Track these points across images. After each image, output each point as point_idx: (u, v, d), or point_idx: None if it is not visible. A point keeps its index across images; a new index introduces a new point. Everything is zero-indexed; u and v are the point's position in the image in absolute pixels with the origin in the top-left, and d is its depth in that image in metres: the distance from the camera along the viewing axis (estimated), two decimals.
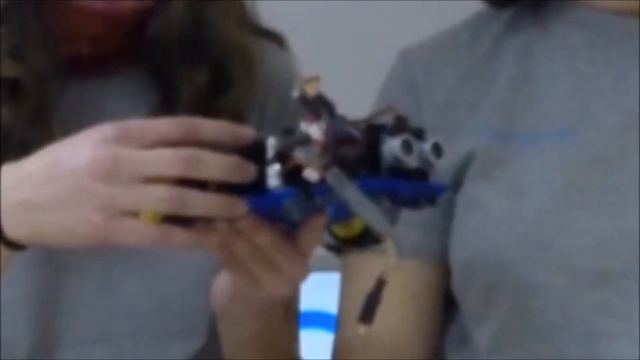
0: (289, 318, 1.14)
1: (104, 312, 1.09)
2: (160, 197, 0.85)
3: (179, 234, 0.86)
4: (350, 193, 0.84)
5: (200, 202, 0.86)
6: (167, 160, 0.85)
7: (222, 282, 0.97)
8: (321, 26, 2.04)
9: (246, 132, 0.87)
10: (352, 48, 1.96)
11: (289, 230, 0.90)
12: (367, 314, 0.88)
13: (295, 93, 0.86)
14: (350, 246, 0.97)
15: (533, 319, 1.05)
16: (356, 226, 0.92)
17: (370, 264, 0.96)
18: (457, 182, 1.10)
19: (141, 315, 1.08)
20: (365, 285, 1.08)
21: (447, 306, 1.13)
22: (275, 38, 1.17)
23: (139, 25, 1.07)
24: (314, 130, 0.84)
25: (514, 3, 1.13)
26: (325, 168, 0.84)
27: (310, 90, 0.86)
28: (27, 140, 1.03)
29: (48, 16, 1.06)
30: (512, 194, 1.07)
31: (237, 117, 1.06)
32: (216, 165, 0.86)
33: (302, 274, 0.92)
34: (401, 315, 1.12)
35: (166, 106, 1.08)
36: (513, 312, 1.06)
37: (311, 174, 0.84)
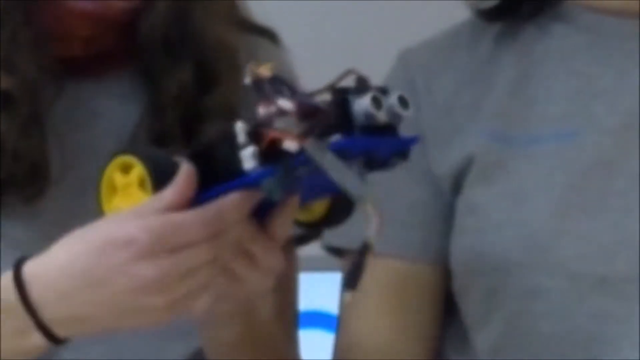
0: (284, 320, 1.13)
1: None
2: (210, 296, 0.90)
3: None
4: (328, 161, 0.85)
5: (237, 216, 0.88)
6: (209, 271, 0.89)
7: None
8: (321, 27, 2.05)
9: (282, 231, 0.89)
10: (352, 49, 1.96)
11: (259, 218, 0.90)
12: (352, 280, 0.89)
13: (247, 79, 0.87)
14: (315, 230, 0.97)
15: (534, 324, 1.05)
16: (317, 210, 0.93)
17: (372, 266, 0.95)
18: (457, 186, 1.09)
19: None
20: (367, 286, 1.05)
21: (447, 309, 1.13)
22: (267, 34, 1.17)
23: (129, 26, 1.07)
24: (284, 103, 0.86)
25: (504, 17, 1.14)
26: (303, 137, 0.86)
27: (265, 72, 0.86)
28: (19, 149, 1.03)
29: (39, 20, 1.06)
30: (513, 197, 1.07)
31: (228, 113, 1.06)
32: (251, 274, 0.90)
33: (278, 264, 0.93)
34: (401, 318, 1.12)
35: (155, 107, 1.08)
36: (514, 316, 1.06)
37: (291, 145, 0.85)
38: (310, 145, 0.85)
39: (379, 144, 0.88)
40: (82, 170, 1.06)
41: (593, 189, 1.06)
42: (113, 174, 0.90)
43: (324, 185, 0.89)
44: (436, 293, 1.13)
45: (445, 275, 1.08)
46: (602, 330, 1.04)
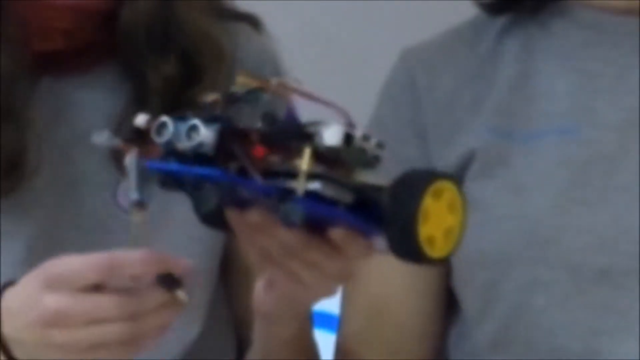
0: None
1: None
2: (116, 331, 0.87)
3: (142, 345, 0.89)
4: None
5: (152, 303, 0.88)
6: (105, 307, 0.87)
7: (267, 283, 0.96)
8: (324, 28, 2.05)
9: (174, 262, 0.88)
10: (354, 48, 1.96)
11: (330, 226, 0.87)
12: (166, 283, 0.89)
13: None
14: None
15: (534, 316, 1.05)
16: None
17: (373, 265, 0.96)
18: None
19: None
20: (367, 286, 1.10)
21: (448, 305, 1.13)
22: (250, 20, 1.17)
23: (110, 18, 1.07)
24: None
25: (508, 10, 1.14)
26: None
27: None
28: None
29: (17, 15, 1.06)
30: (514, 191, 1.07)
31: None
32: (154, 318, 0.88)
33: (346, 273, 0.90)
34: (403, 314, 1.13)
35: (140, 99, 1.08)
36: (514, 309, 1.06)
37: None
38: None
39: (183, 171, 0.85)
40: (66, 163, 1.06)
41: (593, 183, 1.06)
42: (427, 201, 0.85)
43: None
44: (438, 289, 1.13)
45: (446, 270, 1.08)
46: (603, 323, 1.04)
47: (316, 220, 0.85)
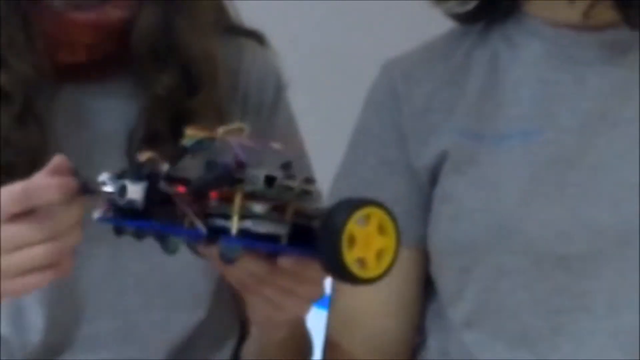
0: None
1: (115, 291, 1.11)
2: (41, 253, 0.88)
3: (64, 266, 0.89)
4: None
5: (66, 216, 0.88)
6: (28, 231, 0.87)
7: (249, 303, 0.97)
8: (315, 42, 2.01)
9: (59, 161, 0.88)
10: (342, 60, 1.93)
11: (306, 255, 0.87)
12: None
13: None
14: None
15: (502, 298, 1.08)
16: None
17: None
18: (433, 178, 1.13)
19: (148, 291, 1.11)
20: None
21: (426, 287, 1.15)
22: (254, 36, 1.18)
23: (125, 35, 1.09)
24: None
25: (479, 20, 1.16)
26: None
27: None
28: (15, 141, 1.06)
29: (43, 29, 1.07)
30: (483, 187, 1.10)
31: (218, 112, 1.08)
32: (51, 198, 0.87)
33: (318, 294, 0.91)
34: (384, 297, 1.16)
35: (149, 107, 1.10)
36: (484, 292, 1.09)
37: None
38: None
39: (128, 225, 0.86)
40: (85, 163, 1.04)
41: (554, 180, 1.08)
42: (352, 227, 0.83)
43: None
44: (417, 274, 1.16)
45: (425, 257, 1.11)
46: (562, 304, 1.07)
47: (266, 253, 0.86)
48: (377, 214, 0.84)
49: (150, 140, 1.07)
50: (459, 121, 1.13)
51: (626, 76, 1.11)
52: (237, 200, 0.82)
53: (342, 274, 0.83)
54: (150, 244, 0.91)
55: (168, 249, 0.88)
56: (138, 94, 1.11)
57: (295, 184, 0.83)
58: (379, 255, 0.85)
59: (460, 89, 1.15)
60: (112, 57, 1.11)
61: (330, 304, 1.19)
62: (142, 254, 1.07)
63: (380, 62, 1.20)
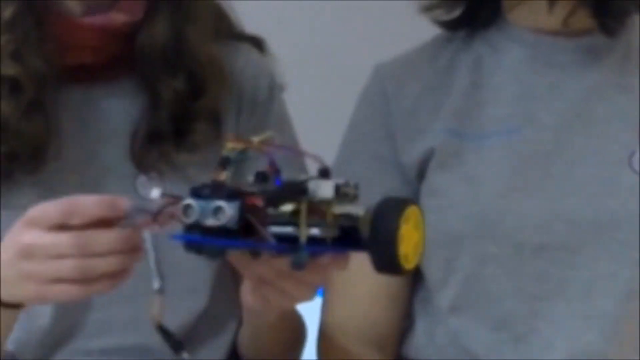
0: None
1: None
2: (69, 266, 0.88)
3: (94, 287, 0.89)
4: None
5: (99, 241, 0.88)
6: (63, 241, 0.88)
7: (252, 288, 0.95)
8: (311, 45, 2.00)
9: (121, 202, 0.87)
10: (336, 64, 1.95)
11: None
12: (174, 347, 0.94)
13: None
14: None
15: (485, 285, 1.10)
16: None
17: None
18: (421, 173, 1.14)
19: (152, 280, 1.09)
20: (349, 273, 1.02)
21: (414, 276, 1.16)
22: (255, 42, 1.20)
23: (131, 37, 1.10)
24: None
25: (463, 27, 1.18)
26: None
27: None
28: (20, 130, 1.07)
29: (54, 33, 1.08)
30: (467, 182, 1.11)
31: (214, 117, 1.09)
32: (102, 242, 0.88)
33: (309, 297, 0.92)
34: (376, 289, 1.17)
35: (153, 108, 1.11)
36: (468, 279, 1.10)
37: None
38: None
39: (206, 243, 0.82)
40: (92, 158, 1.09)
41: (533, 174, 1.09)
42: (402, 227, 0.85)
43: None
44: None
45: None
46: (542, 289, 1.08)
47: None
48: (414, 212, 0.86)
49: (153, 138, 1.08)
50: (445, 120, 1.14)
51: (600, 79, 1.13)
52: (304, 209, 0.82)
53: (394, 269, 0.85)
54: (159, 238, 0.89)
55: (299, 263, 0.84)
56: (141, 94, 1.12)
57: (350, 190, 0.84)
58: (415, 248, 0.87)
59: (446, 90, 1.16)
60: (117, 60, 1.12)
61: (324, 296, 1.20)
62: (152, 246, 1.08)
63: (372, 64, 1.21)
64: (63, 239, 0.88)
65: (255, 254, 0.86)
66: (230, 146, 0.84)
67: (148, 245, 0.88)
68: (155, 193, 0.85)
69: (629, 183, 1.09)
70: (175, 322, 1.10)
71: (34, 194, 1.05)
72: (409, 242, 0.85)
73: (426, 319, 1.17)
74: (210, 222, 0.81)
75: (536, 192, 1.09)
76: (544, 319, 1.09)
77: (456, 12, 1.19)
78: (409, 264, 0.86)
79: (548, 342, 1.09)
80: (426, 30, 1.22)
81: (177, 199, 0.83)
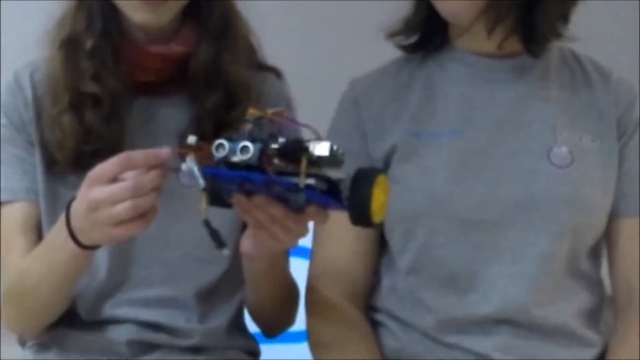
0: (286, 254, 1.29)
1: (162, 245, 1.22)
2: (127, 207, 0.97)
3: (139, 224, 0.98)
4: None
5: (147, 181, 0.97)
6: (120, 188, 0.97)
7: (249, 235, 1.05)
8: (300, 64, 1.89)
9: (163, 152, 0.97)
10: (320, 79, 2.01)
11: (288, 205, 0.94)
12: (217, 241, 0.98)
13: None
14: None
15: (436, 251, 1.20)
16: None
17: (331, 227, 1.07)
18: (386, 165, 1.24)
19: (185, 247, 1.22)
20: (333, 231, 1.20)
21: (381, 243, 1.27)
22: (274, 72, 1.33)
23: (184, 63, 1.23)
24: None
25: (419, 50, 1.28)
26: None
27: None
28: (101, 134, 1.18)
29: (125, 57, 1.20)
30: (422, 172, 1.21)
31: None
32: (150, 179, 0.97)
33: (294, 242, 1.01)
34: (354, 249, 1.27)
35: (198, 117, 1.23)
36: (422, 247, 1.21)
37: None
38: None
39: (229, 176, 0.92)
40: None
41: (473, 166, 1.20)
42: (374, 189, 0.93)
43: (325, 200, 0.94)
44: (376, 234, 1.27)
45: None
46: (481, 256, 1.19)
47: (277, 198, 0.94)
48: (383, 179, 0.95)
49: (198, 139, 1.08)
50: (404, 123, 1.24)
51: (525, 91, 1.24)
52: (304, 162, 0.91)
53: (365, 222, 0.93)
54: (189, 215, 0.99)
55: (296, 203, 0.93)
56: (190, 106, 1.23)
57: (339, 153, 0.93)
58: (382, 207, 0.96)
59: (405, 100, 1.26)
60: (173, 78, 1.24)
61: (310, 255, 1.29)
62: (184, 221, 1.18)
63: (347, 80, 1.32)
64: (121, 186, 0.97)
65: (249, 194, 0.93)
66: (251, 112, 0.93)
67: (192, 164, 0.94)
68: (191, 139, 0.93)
69: (547, 173, 1.19)
70: (203, 280, 1.21)
71: None
72: (378, 202, 0.94)
73: (390, 277, 1.26)
74: (237, 158, 0.90)
75: (476, 180, 1.19)
76: (482, 279, 1.19)
77: (413, 39, 1.28)
78: (377, 218, 0.95)
79: (484, 296, 1.19)
80: (392, 52, 1.30)
81: (209, 142, 0.92)
